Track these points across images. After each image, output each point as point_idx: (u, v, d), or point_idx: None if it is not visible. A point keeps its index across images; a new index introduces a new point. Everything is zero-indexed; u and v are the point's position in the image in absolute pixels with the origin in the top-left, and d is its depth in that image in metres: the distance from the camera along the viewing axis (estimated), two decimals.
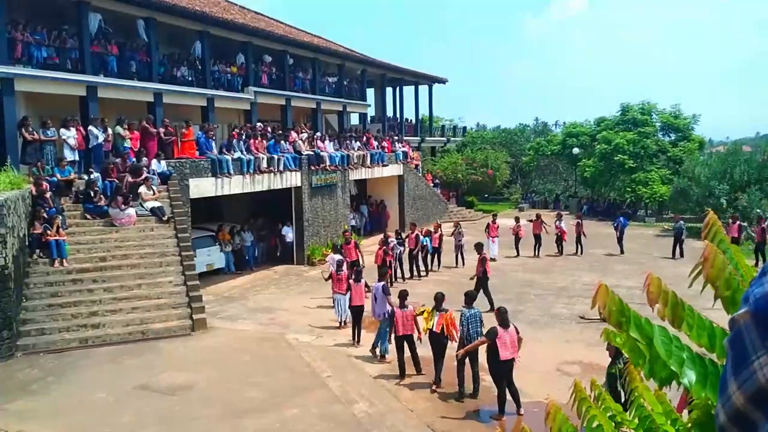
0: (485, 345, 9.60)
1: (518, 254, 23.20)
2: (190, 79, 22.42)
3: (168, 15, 20.63)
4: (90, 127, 16.75)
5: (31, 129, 15.59)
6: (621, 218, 24.64)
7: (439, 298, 10.83)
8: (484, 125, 62.38)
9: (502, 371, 9.47)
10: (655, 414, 1.84)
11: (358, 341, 13.09)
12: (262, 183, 20.63)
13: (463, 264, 21.58)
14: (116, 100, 19.11)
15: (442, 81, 41.76)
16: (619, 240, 24.07)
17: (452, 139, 45.26)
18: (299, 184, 22.24)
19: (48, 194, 14.47)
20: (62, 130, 16.11)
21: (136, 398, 10.05)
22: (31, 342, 12.18)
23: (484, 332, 10.00)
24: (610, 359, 8.90)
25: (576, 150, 39.75)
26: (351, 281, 13.50)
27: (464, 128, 50.33)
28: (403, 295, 11.33)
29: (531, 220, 24.08)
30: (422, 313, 11.25)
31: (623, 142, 35.90)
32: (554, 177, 47.91)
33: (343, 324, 14.20)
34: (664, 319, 1.67)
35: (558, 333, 14.05)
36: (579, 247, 23.97)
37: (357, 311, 13.24)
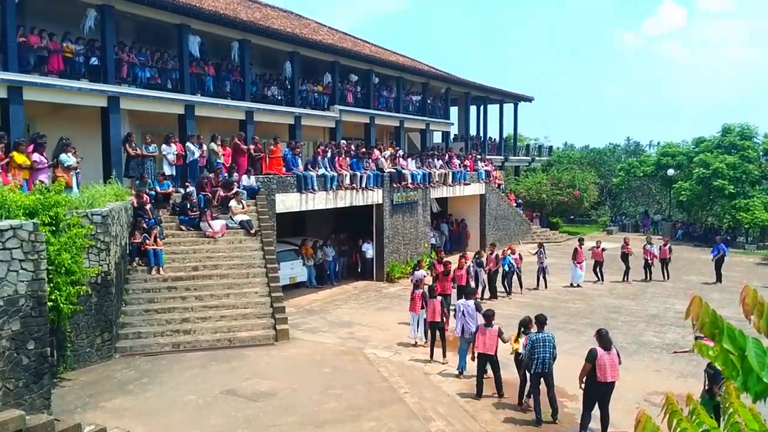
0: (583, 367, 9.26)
1: (600, 279, 22.30)
2: (279, 98, 23.33)
3: (261, 37, 21.62)
4: (187, 144, 17.74)
5: (134, 145, 16.69)
6: (721, 245, 23.14)
7: (525, 322, 10.75)
8: (572, 144, 60.80)
9: (599, 395, 9.15)
10: (748, 431, 1.76)
11: (443, 356, 13.03)
12: (345, 199, 21.06)
13: (546, 286, 21.08)
14: (211, 118, 20.17)
15: (528, 99, 41.24)
16: (717, 267, 22.74)
17: (537, 158, 44.46)
18: (380, 201, 22.52)
19: (148, 206, 15.40)
20: (163, 146, 17.15)
21: (223, 402, 10.45)
22: (129, 344, 12.93)
23: (555, 356, 9.89)
24: (705, 387, 8.43)
25: (671, 171, 37.97)
26: (427, 298, 13.49)
27: (550, 147, 49.33)
28: (488, 315, 11.20)
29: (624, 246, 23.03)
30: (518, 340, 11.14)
31: (723, 167, 33.98)
32: (646, 199, 45.94)
33: (417, 342, 14.20)
34: (759, 331, 1.61)
35: (647, 362, 13.41)
36: (665, 272, 22.87)
37: (434, 327, 13.22)
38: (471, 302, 12.36)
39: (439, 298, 13.45)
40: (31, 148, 12.85)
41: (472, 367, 11.43)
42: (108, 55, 16.90)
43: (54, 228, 10.23)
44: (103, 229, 12.10)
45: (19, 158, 12.52)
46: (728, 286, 21.59)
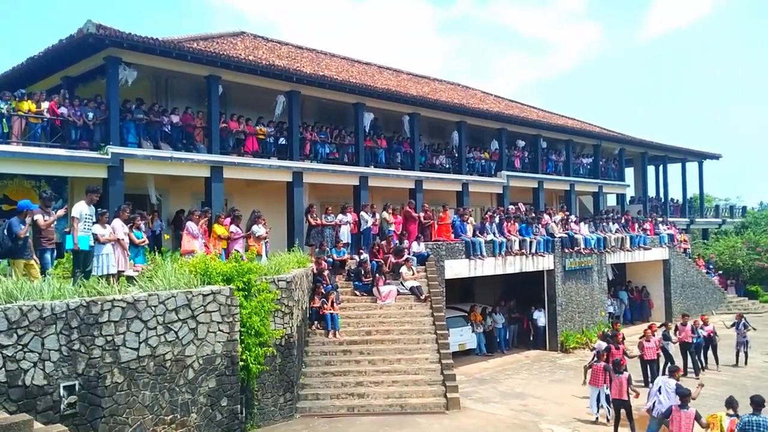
0: None
1: None
2: (447, 166, 23.91)
3: (430, 109, 22.54)
4: (361, 213, 18.74)
5: (314, 215, 17.98)
6: None
7: (732, 402, 9.68)
8: None
9: None
10: None
11: None
12: (514, 265, 20.66)
13: (746, 362, 18.69)
14: (383, 187, 21.17)
15: (715, 157, 38.04)
16: None
17: (728, 220, 40.41)
18: (551, 267, 21.76)
19: (326, 272, 16.33)
20: (340, 216, 18.28)
21: None
22: (308, 405, 13.51)
23: None
24: None
25: None
26: (611, 373, 12.53)
27: (744, 208, 44.59)
28: (685, 394, 10.16)
29: None
30: (711, 423, 9.98)
31: None
32: None
33: (598, 419, 13.18)
34: None
35: None
36: None
37: (617, 405, 12.23)
38: (672, 380, 11.27)
39: (627, 374, 12.44)
40: (228, 220, 14.37)
41: None
42: (294, 135, 18.63)
43: (246, 293, 11.21)
44: (287, 294, 13.01)
45: (219, 230, 14.05)
46: None
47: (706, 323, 18.64)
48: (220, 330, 10.28)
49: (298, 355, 13.63)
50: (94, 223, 10.54)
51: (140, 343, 9.35)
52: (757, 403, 9.06)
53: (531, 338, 22.00)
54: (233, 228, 14.27)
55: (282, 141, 18.72)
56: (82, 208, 10.45)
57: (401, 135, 22.61)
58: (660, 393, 11.04)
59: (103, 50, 14.75)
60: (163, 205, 17.51)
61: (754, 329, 19.70)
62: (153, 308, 9.55)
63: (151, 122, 15.97)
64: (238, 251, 13.10)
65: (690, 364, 17.87)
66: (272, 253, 15.12)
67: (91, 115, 14.85)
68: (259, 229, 14.79)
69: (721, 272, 32.72)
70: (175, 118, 16.53)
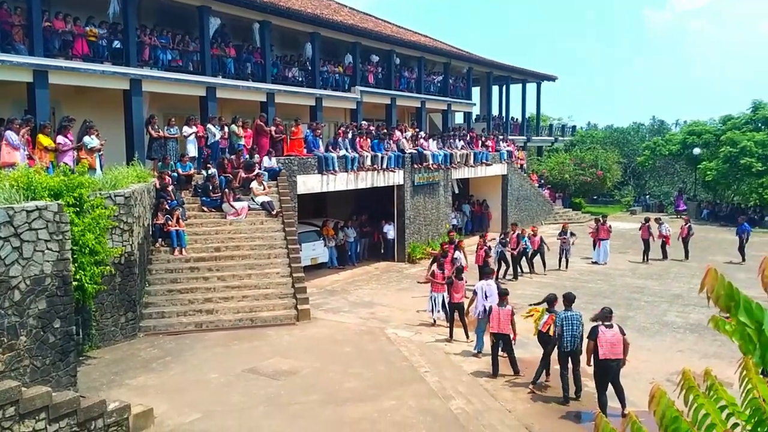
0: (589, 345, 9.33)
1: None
2: (300, 79, 23.29)
3: (282, 18, 21.53)
4: (208, 126, 17.84)
5: (156, 127, 16.82)
6: (745, 224, 22.82)
7: (551, 300, 10.71)
8: (595, 124, 59.83)
9: (603, 371, 9.21)
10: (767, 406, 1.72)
11: (466, 337, 13.07)
12: (366, 180, 21.04)
13: (566, 267, 20.96)
14: (232, 99, 20.22)
15: (552, 78, 40.65)
16: (741, 247, 22.36)
17: (560, 138, 43.90)
18: (402, 182, 22.46)
19: (170, 187, 15.56)
20: (185, 128, 17.26)
21: (244, 381, 10.60)
22: (152, 324, 13.15)
23: (582, 335, 9.85)
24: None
25: (697, 150, 37.19)
26: (454, 278, 13.37)
27: (573, 127, 48.63)
28: (503, 293, 11.25)
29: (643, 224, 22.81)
30: (531, 314, 11.19)
31: (751, 144, 33.17)
32: (671, 179, 45.17)
33: (435, 322, 14.24)
34: None
35: (670, 342, 13.28)
36: (686, 251, 22.63)
37: (456, 308, 13.20)
38: (492, 282, 12.31)
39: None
40: (55, 130, 13.02)
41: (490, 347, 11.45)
42: (130, 39, 16.98)
43: (78, 209, 10.39)
44: (125, 210, 12.26)
45: (44, 141, 12.72)
46: (754, 265, 21.16)
47: (535, 233, 20.47)
48: (48, 249, 9.47)
49: (140, 274, 13.07)
50: None
51: None
52: (568, 299, 10.25)
53: (381, 251, 22.85)
54: (61, 139, 12.97)
55: (117, 45, 17.02)
56: None
57: (251, 44, 21.50)
58: (486, 297, 12.10)
59: None
60: None
61: (575, 236, 21.93)
62: None
63: None
64: (67, 164, 11.98)
65: (515, 269, 19.71)
66: (108, 168, 14.01)
67: None
68: (91, 141, 13.58)
69: (550, 186, 35.80)
70: None
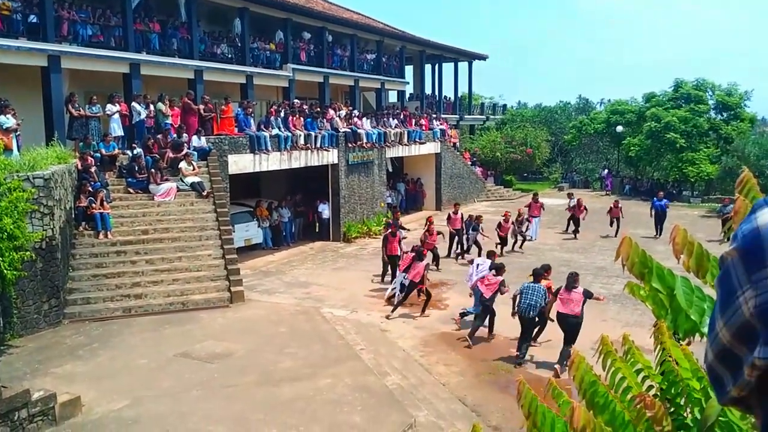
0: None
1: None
2: (229, 56, 22.66)
3: None
4: (133, 104, 17.12)
5: (77, 105, 16.02)
6: (656, 200, 23.72)
7: (419, 251, 13.18)
8: (525, 103, 61.25)
9: (562, 325, 10.63)
10: (681, 369, 1.82)
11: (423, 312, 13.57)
12: (300, 160, 20.79)
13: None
14: (158, 77, 19.46)
15: (483, 57, 41.18)
16: (658, 222, 23.35)
17: (492, 117, 44.68)
18: (336, 162, 22.34)
19: (93, 169, 14.89)
20: (108, 107, 16.51)
21: (176, 365, 10.38)
22: (78, 310, 12.64)
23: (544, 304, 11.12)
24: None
25: (620, 128, 38.75)
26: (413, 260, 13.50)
27: (504, 106, 49.59)
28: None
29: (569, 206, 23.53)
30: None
31: (674, 120, 34.75)
32: (596, 156, 46.92)
33: (390, 298, 14.35)
34: (689, 270, 1.65)
35: (595, 313, 13.82)
36: (617, 227, 23.54)
37: (412, 286, 13.43)
38: (486, 259, 13.28)
39: (426, 261, 13.67)
40: None
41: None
42: (47, 12, 16.06)
43: None
44: (45, 192, 11.67)
45: None
46: None
47: (456, 212, 20.65)
48: None
49: (63, 259, 12.51)
50: None
51: None
52: (536, 273, 11.52)
53: (316, 230, 22.73)
54: None
55: (33, 19, 16.06)
56: None
57: (177, 19, 20.70)
58: (477, 267, 12.88)
59: None
60: None
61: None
62: None
63: None
64: None
65: (457, 248, 20.01)
66: (26, 148, 13.27)
67: None
68: (6, 120, 12.86)
69: (482, 164, 36.49)
70: None
